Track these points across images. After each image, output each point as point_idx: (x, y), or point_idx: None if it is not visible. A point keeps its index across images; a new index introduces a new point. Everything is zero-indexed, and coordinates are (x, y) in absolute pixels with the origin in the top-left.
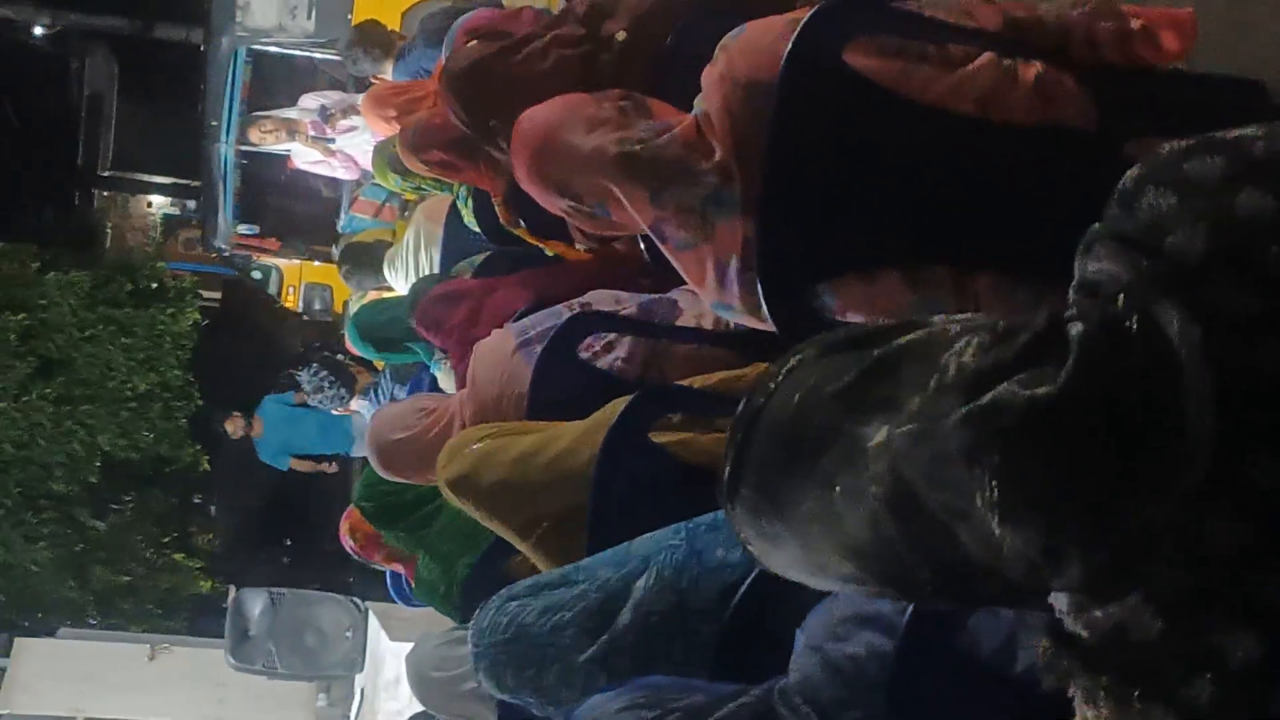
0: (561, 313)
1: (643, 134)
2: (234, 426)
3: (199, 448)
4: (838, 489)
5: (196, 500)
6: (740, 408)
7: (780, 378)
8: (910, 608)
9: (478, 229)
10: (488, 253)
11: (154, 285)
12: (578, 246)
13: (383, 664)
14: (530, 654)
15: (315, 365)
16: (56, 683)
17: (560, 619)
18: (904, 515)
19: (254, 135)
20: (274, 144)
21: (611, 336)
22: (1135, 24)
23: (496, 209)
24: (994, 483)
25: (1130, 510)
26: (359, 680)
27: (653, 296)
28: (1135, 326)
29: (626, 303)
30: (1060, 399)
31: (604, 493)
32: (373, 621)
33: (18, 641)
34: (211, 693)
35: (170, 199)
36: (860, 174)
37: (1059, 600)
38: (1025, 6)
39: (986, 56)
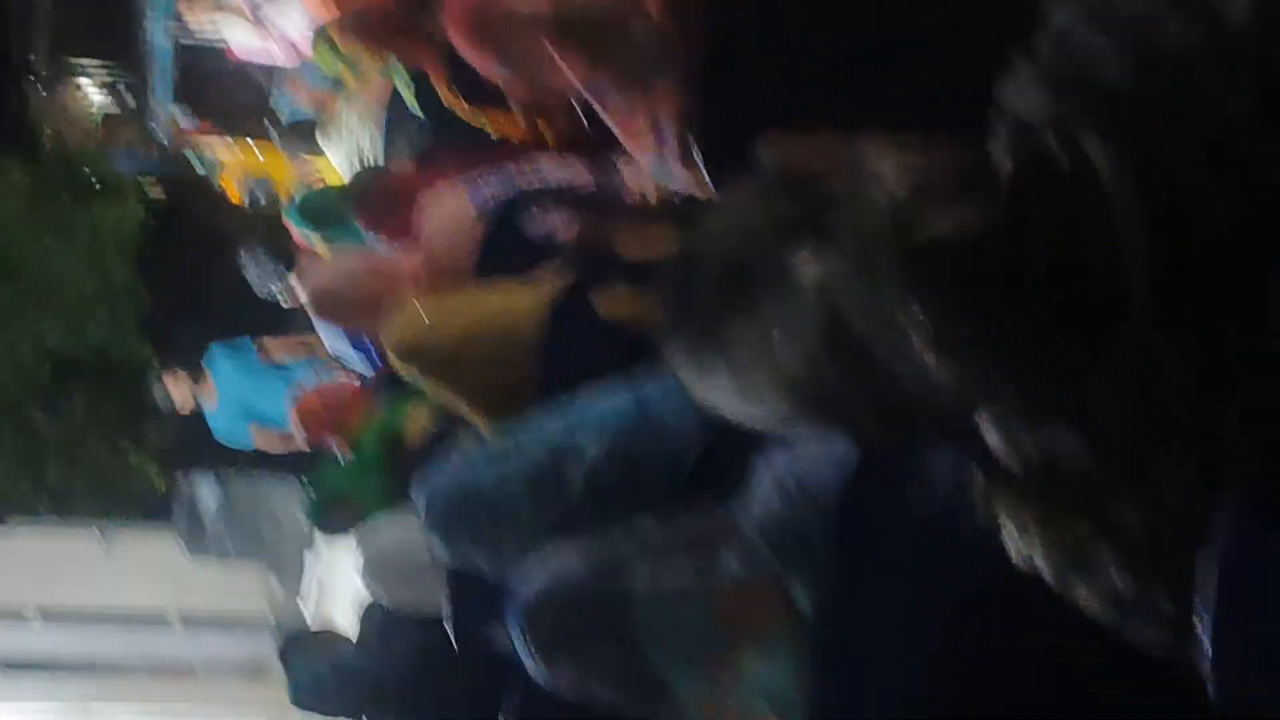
0: (514, 178)
1: None
2: (177, 390)
3: (149, 346)
4: (772, 324)
5: (148, 399)
6: (677, 248)
7: (715, 217)
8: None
9: (420, 114)
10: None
11: (96, 184)
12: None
13: (334, 546)
14: (482, 515)
15: (257, 246)
16: (7, 575)
17: (506, 469)
18: (838, 348)
19: (187, 13)
20: (208, 22)
21: (559, 208)
22: None
23: (438, 90)
24: (927, 318)
25: (1064, 344)
26: (310, 562)
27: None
28: (1065, 163)
29: (578, 171)
30: (992, 236)
31: (551, 361)
32: None
33: None
34: (165, 580)
35: (110, 98)
36: (798, 35)
37: (991, 434)
38: None
39: None
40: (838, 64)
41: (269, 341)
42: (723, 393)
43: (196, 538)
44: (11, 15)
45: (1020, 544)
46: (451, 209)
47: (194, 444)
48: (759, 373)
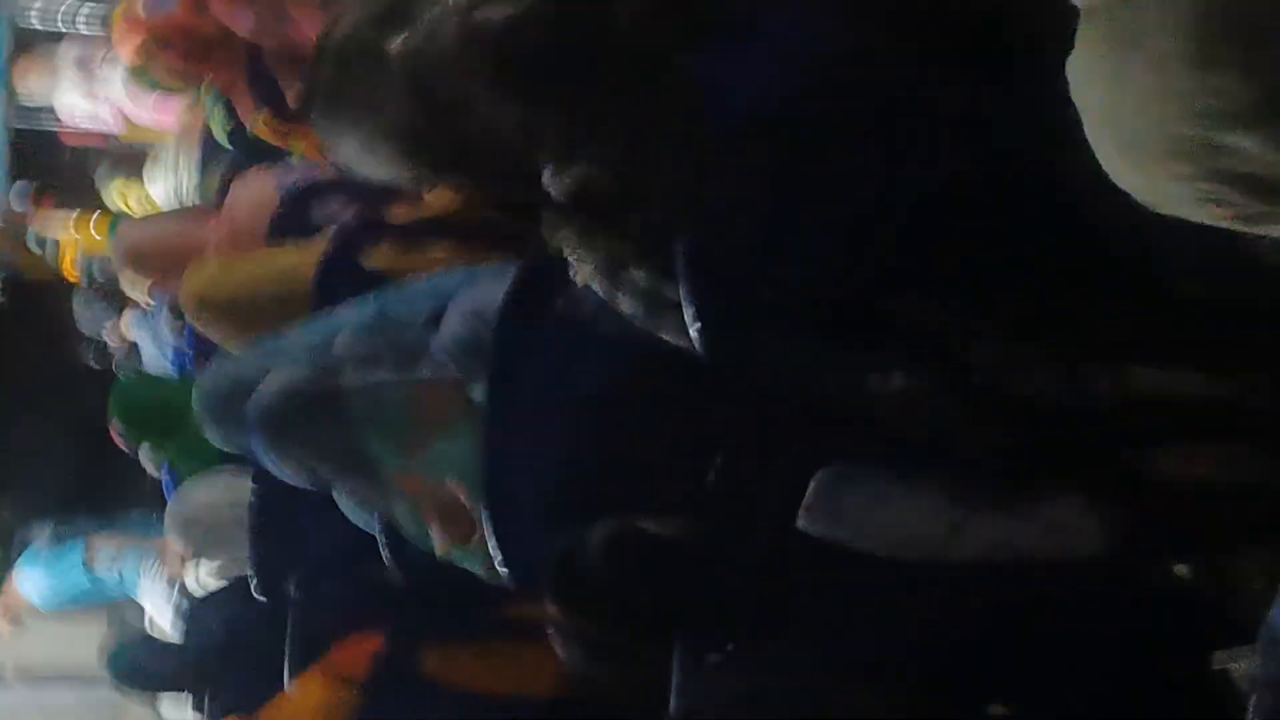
0: (316, 171)
1: None
2: None
3: None
4: (375, 91)
5: None
6: (316, 40)
7: (339, 17)
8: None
9: (229, 145)
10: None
11: None
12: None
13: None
14: (242, 400)
15: (89, 287)
16: None
17: (268, 363)
18: (422, 101)
19: (19, 85)
20: (38, 88)
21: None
22: None
23: (245, 119)
24: (484, 75)
25: (578, 96)
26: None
27: None
28: None
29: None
30: (522, 20)
31: (321, 306)
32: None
33: None
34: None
35: None
36: None
37: (546, 176)
38: None
39: None
40: None
41: (99, 540)
42: (350, 149)
43: None
44: None
45: (575, 264)
46: (256, 187)
47: (26, 485)
48: (371, 131)
